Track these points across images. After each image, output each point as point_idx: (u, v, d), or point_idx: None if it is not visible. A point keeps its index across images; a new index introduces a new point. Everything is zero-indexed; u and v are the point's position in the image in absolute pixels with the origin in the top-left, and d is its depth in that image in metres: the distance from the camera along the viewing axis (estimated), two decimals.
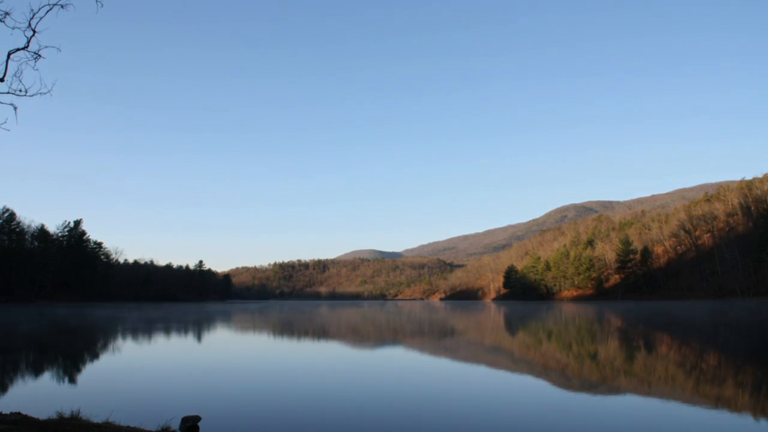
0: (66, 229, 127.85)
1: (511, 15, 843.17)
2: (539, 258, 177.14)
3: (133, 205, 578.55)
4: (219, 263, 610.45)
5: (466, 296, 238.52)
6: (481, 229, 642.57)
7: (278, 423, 8.38)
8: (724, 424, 8.35)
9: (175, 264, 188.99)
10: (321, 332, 31.15)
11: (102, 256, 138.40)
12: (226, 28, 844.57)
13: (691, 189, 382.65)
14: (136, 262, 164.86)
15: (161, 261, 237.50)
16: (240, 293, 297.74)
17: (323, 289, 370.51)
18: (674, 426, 8.26)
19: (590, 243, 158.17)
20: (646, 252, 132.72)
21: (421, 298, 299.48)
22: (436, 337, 27.81)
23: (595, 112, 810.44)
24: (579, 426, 8.24)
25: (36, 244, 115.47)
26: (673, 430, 8.03)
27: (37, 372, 14.52)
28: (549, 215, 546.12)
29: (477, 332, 31.32)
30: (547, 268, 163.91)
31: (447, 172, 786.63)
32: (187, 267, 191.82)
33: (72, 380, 13.05)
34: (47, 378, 13.41)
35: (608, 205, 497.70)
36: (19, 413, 7.92)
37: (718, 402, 10.09)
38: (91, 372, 14.61)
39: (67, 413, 7.80)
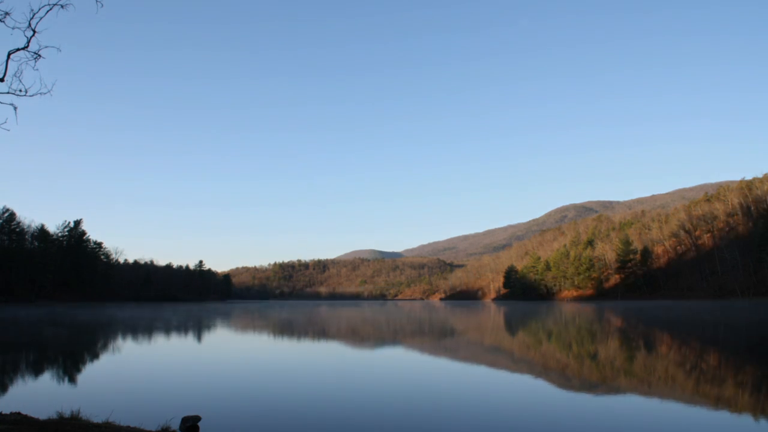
0: (66, 229, 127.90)
1: (511, 16, 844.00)
2: (539, 258, 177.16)
3: (133, 205, 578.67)
4: (219, 263, 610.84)
5: (466, 296, 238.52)
6: (481, 229, 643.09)
7: (278, 423, 8.37)
8: (724, 424, 8.36)
9: (175, 264, 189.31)
10: (321, 332, 31.15)
11: (102, 256, 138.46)
12: (227, 28, 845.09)
13: (691, 189, 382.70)
14: (136, 262, 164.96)
15: (161, 261, 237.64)
16: (240, 293, 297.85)
17: (323, 289, 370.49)
18: (674, 426, 8.26)
19: (590, 243, 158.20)
20: (646, 252, 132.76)
21: (421, 298, 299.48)
22: (436, 337, 27.81)
23: (595, 113, 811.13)
24: (579, 426, 8.24)
25: (36, 244, 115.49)
26: (673, 430, 8.03)
27: (37, 372, 14.52)
28: (549, 215, 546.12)
29: (477, 332, 31.32)
30: (547, 268, 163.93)
31: (447, 172, 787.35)
32: (187, 267, 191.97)
33: (72, 380, 13.05)
34: (47, 378, 13.41)
35: (608, 205, 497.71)
36: (19, 413, 7.92)
37: (718, 402, 10.09)
38: (91, 372, 14.61)
39: (67, 413, 7.80)
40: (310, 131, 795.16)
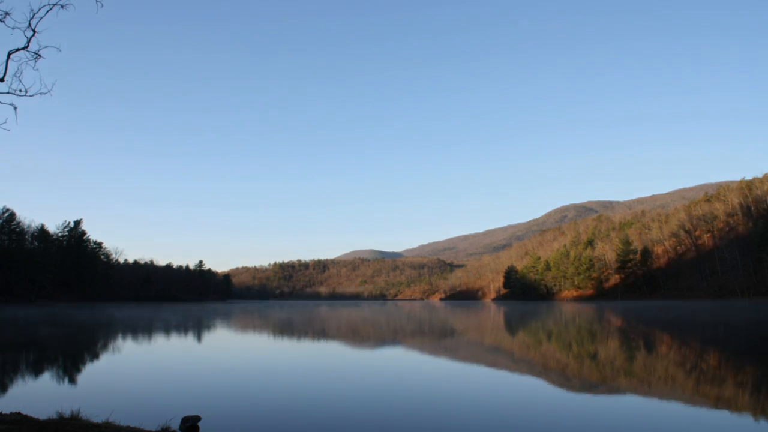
0: (66, 229, 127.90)
1: (511, 17, 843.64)
2: (539, 258, 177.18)
3: (133, 205, 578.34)
4: (219, 263, 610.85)
5: (466, 296, 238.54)
6: (481, 229, 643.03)
7: (278, 423, 8.37)
8: (724, 424, 8.36)
9: (175, 264, 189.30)
10: (321, 332, 31.15)
11: (102, 256, 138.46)
12: (226, 29, 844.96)
13: (691, 189, 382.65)
14: (136, 262, 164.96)
15: (161, 261, 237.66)
16: (240, 293, 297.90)
17: (323, 289, 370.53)
18: (674, 426, 8.26)
19: (590, 243, 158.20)
20: (646, 252, 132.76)
21: (421, 298, 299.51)
22: (436, 337, 27.81)
23: (595, 113, 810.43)
24: (579, 426, 8.24)
25: (36, 244, 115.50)
26: (673, 430, 8.03)
27: (37, 372, 14.52)
28: (549, 215, 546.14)
29: (477, 332, 31.32)
30: (547, 268, 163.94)
31: (447, 172, 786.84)
32: (187, 267, 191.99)
33: (72, 380, 13.05)
34: (47, 378, 13.41)
35: (608, 205, 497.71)
36: (19, 413, 7.92)
37: (718, 402, 10.09)
38: (91, 372, 14.61)
39: (67, 413, 7.80)
40: (310, 131, 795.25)
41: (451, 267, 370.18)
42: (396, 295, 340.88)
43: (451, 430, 7.92)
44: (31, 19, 7.94)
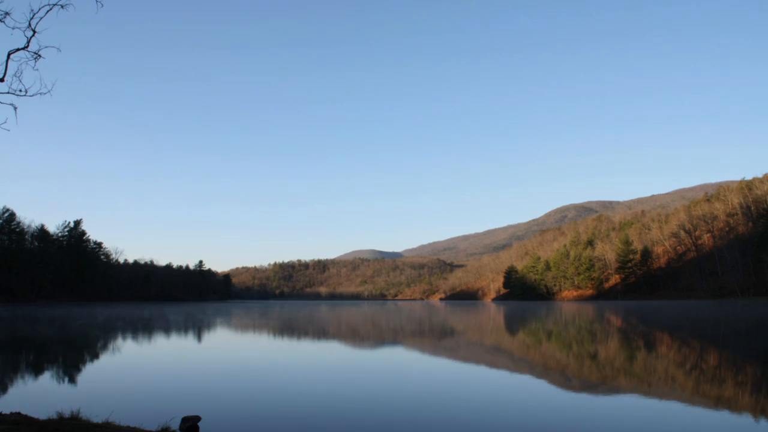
0: (66, 229, 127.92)
1: (511, 16, 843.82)
2: (539, 258, 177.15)
3: (133, 205, 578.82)
4: (219, 263, 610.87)
5: (466, 296, 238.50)
6: (481, 229, 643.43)
7: (278, 423, 8.37)
8: (724, 424, 8.35)
9: (175, 264, 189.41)
10: (321, 332, 31.15)
11: (102, 256, 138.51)
12: (226, 29, 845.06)
13: (691, 189, 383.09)
14: (136, 262, 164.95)
15: (161, 261, 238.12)
16: (240, 293, 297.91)
17: (323, 289, 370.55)
18: (674, 426, 8.26)
19: (590, 243, 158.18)
20: (646, 252, 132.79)
21: (421, 299, 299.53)
22: (436, 337, 27.80)
23: (595, 113, 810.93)
24: (579, 426, 8.23)
25: (36, 244, 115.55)
26: (673, 430, 8.03)
27: (37, 372, 14.51)
28: (549, 215, 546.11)
29: (477, 332, 31.31)
30: (547, 268, 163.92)
31: (447, 172, 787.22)
32: (187, 267, 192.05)
33: (72, 380, 13.04)
34: (47, 378, 13.41)
35: (608, 205, 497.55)
36: (19, 413, 7.92)
37: (718, 402, 10.09)
38: (91, 372, 14.60)
39: (67, 413, 7.80)
40: (310, 131, 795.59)
41: (451, 267, 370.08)
42: (396, 296, 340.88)
43: (451, 430, 7.91)
44: (31, 19, 7.96)
